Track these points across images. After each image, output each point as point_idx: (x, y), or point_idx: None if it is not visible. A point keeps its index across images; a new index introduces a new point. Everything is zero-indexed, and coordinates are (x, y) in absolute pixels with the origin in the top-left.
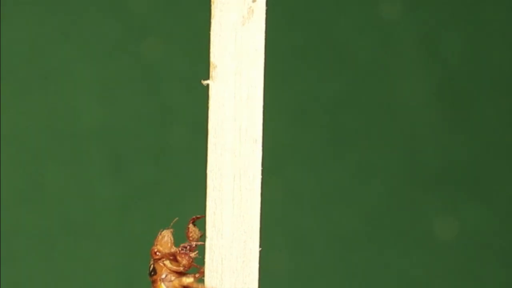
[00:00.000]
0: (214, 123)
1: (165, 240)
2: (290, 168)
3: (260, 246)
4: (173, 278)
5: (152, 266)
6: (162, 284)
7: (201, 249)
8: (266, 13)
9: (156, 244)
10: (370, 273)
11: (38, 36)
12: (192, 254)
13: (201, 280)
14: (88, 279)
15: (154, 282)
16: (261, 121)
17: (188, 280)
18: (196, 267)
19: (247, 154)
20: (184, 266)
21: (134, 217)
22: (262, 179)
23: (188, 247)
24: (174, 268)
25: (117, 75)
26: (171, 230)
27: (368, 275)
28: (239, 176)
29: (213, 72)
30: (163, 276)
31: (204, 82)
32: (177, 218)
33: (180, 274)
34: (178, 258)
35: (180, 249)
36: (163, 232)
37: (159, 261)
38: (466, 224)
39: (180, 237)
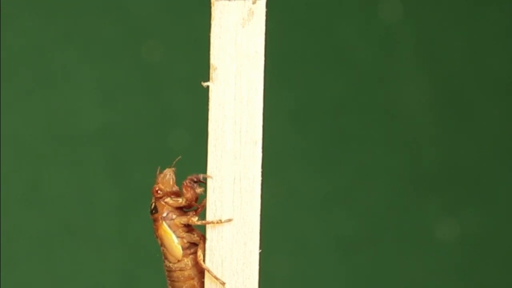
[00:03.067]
0: (214, 125)
1: (167, 179)
2: (290, 170)
3: (260, 248)
4: (174, 216)
5: (153, 204)
6: (163, 222)
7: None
8: (266, 15)
9: (158, 183)
10: (370, 275)
11: (38, 38)
12: (198, 190)
13: (201, 215)
14: (88, 281)
15: (155, 220)
16: (261, 123)
17: (192, 219)
18: (196, 206)
19: (247, 156)
20: (186, 199)
21: (135, 220)
22: (262, 181)
23: (195, 179)
24: (176, 204)
25: (117, 77)
26: (173, 169)
27: (368, 278)
28: (239, 178)
29: (213, 74)
30: (164, 214)
31: (204, 84)
32: (180, 156)
33: (181, 210)
34: (184, 190)
35: (187, 181)
36: (165, 171)
37: (160, 200)
38: (467, 226)
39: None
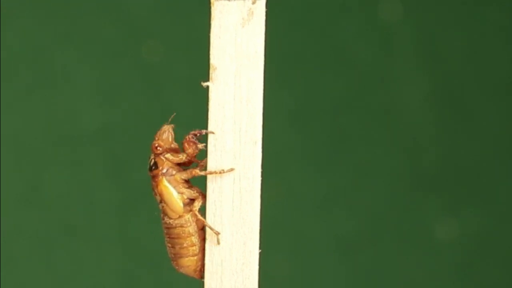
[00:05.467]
0: (214, 125)
1: (166, 135)
2: (290, 170)
3: (260, 248)
4: (174, 172)
5: (153, 160)
6: (164, 178)
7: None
8: (266, 15)
9: (157, 139)
10: (370, 275)
11: (38, 38)
12: (200, 146)
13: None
14: (88, 281)
15: (155, 176)
16: (261, 123)
17: (196, 170)
18: (197, 162)
19: (247, 155)
20: (188, 154)
21: (134, 220)
22: (262, 180)
23: (198, 134)
24: (176, 160)
25: (117, 77)
26: (172, 125)
27: (368, 277)
28: (239, 178)
29: (213, 74)
30: (164, 170)
31: (204, 84)
32: (174, 113)
33: (180, 167)
34: (186, 145)
35: (190, 136)
36: (163, 127)
37: (160, 156)
38: (467, 226)
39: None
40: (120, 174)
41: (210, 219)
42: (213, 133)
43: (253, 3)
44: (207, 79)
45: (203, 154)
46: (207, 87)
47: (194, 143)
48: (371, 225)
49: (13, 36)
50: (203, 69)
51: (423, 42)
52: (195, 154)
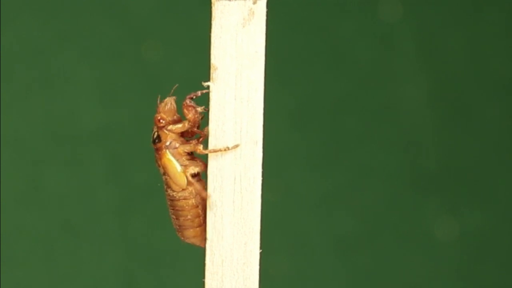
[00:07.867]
0: (214, 124)
1: (168, 107)
2: (291, 170)
3: (260, 248)
4: (177, 145)
5: (156, 133)
6: (167, 151)
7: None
8: (267, 15)
9: (160, 112)
10: (370, 275)
11: (38, 38)
12: (199, 109)
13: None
14: (88, 281)
15: (158, 149)
16: (262, 123)
17: (198, 147)
18: (199, 132)
19: (248, 156)
20: (189, 120)
21: (134, 219)
22: (263, 181)
23: (194, 96)
24: (179, 129)
25: (117, 77)
26: (174, 97)
27: (368, 278)
28: (240, 178)
29: (213, 74)
30: (168, 143)
31: (205, 84)
32: (177, 84)
33: (184, 139)
34: (185, 110)
35: (187, 101)
36: (166, 100)
37: (163, 129)
38: (466, 226)
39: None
40: (120, 174)
41: (211, 219)
42: (208, 91)
43: (254, 3)
44: (208, 79)
45: (204, 124)
46: (208, 87)
47: (193, 107)
48: (370, 225)
49: (13, 36)
50: (203, 69)
51: (423, 42)
52: (197, 120)
